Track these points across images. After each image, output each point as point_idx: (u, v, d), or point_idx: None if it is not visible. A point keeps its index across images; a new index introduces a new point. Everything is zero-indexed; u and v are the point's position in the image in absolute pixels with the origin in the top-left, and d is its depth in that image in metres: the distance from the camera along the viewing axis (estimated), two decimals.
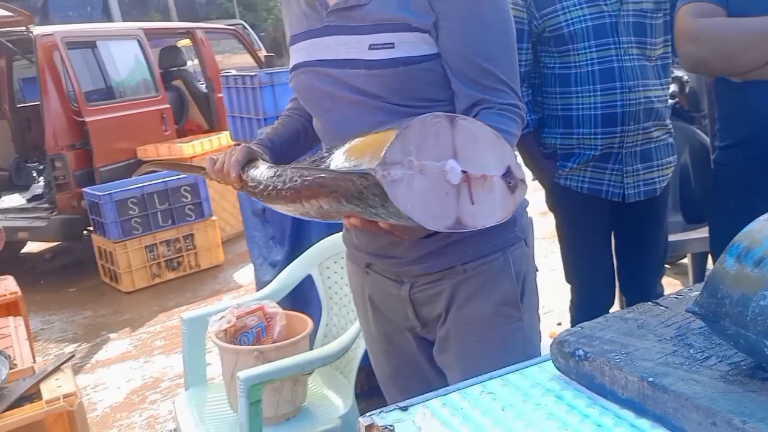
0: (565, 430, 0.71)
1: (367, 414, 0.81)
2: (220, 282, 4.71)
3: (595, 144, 2.07)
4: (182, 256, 4.78)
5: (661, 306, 0.87)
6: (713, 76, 1.91)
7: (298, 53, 1.28)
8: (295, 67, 1.28)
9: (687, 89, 3.63)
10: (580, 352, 0.78)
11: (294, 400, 1.87)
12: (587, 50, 2.07)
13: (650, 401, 0.70)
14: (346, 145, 1.01)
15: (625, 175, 2.11)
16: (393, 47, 1.14)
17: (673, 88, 3.42)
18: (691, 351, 0.75)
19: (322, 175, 0.99)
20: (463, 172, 0.93)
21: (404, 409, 0.81)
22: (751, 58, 1.65)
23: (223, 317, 1.86)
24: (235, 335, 1.87)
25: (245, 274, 4.65)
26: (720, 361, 0.72)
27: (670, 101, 3.48)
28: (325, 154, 1.05)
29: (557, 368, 0.82)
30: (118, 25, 7.13)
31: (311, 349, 1.97)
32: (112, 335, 3.97)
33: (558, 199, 2.24)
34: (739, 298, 0.65)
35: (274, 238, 3.00)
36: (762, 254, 0.65)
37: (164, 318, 4.16)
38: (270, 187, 1.14)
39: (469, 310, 1.27)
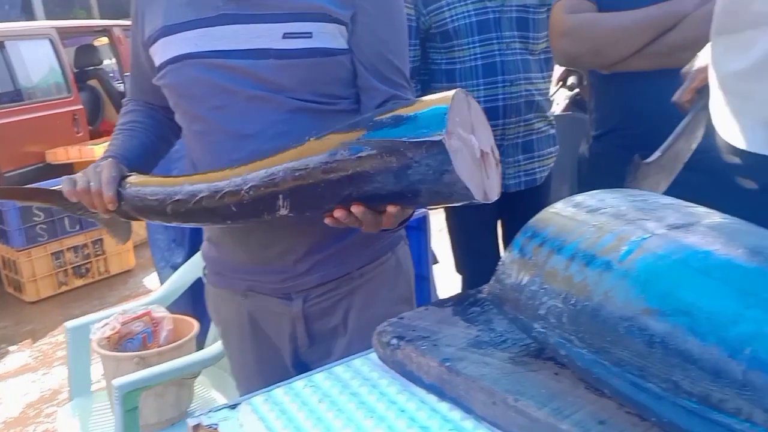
0: (371, 418, 0.74)
1: (196, 414, 0.82)
2: (130, 287, 4.61)
3: None
4: (91, 262, 4.65)
5: (482, 293, 0.91)
6: (586, 70, 1.98)
7: (179, 44, 1.15)
8: (176, 60, 1.15)
9: (585, 81, 3.74)
10: (394, 341, 0.81)
11: (179, 405, 1.86)
12: (471, 45, 2.11)
13: (447, 385, 0.73)
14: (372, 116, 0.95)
15: (505, 166, 2.16)
16: (311, 37, 1.10)
17: (572, 80, 3.54)
18: (492, 335, 0.79)
19: (372, 148, 0.90)
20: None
21: (233, 407, 0.83)
22: (619, 51, 1.72)
23: (106, 324, 1.84)
24: (120, 342, 1.84)
25: (157, 279, 4.56)
26: (513, 344, 0.76)
27: (570, 93, 3.59)
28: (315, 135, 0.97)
29: (379, 358, 0.85)
30: (29, 25, 6.88)
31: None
32: (11, 348, 3.84)
33: None
34: (517, 284, 0.68)
35: (176, 241, 2.97)
36: (541, 242, 0.69)
37: None
38: (198, 197, 1.03)
39: (370, 314, 1.22)
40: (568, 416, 0.61)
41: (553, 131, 2.25)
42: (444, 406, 0.74)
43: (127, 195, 1.12)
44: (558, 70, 3.39)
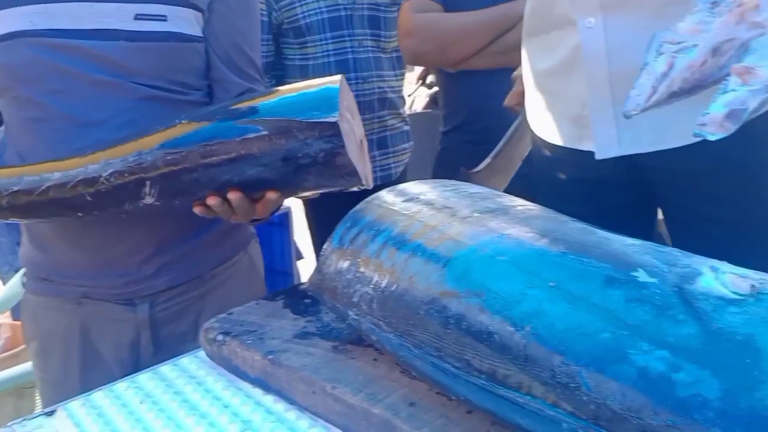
0: (193, 415, 0.72)
1: (9, 423, 0.78)
2: None
3: None
4: None
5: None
6: (433, 68, 2.04)
7: (11, 20, 1.03)
8: (6, 37, 1.03)
9: None
10: (219, 336, 0.80)
11: (19, 416, 1.75)
12: (323, 42, 2.12)
13: (271, 377, 0.73)
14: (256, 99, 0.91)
15: None
16: (165, 20, 1.03)
17: (431, 78, 3.62)
18: (318, 326, 0.79)
19: (263, 129, 0.85)
20: None
21: (49, 414, 0.79)
22: (462, 50, 1.79)
23: None
24: None
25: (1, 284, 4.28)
26: (339, 334, 0.76)
27: (429, 91, 3.67)
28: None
29: (207, 355, 0.83)
30: None
31: None
32: None
33: None
34: (335, 273, 0.69)
35: (21, 244, 2.78)
36: (358, 231, 0.70)
37: None
38: (43, 186, 0.93)
39: None
40: (381, 400, 0.63)
41: (407, 128, 2.29)
42: (269, 399, 0.73)
43: None
44: (418, 69, 3.47)
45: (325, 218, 2.36)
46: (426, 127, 2.63)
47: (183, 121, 0.90)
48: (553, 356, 0.48)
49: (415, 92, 3.52)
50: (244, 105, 0.89)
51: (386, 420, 0.61)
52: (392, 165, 2.23)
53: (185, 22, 1.05)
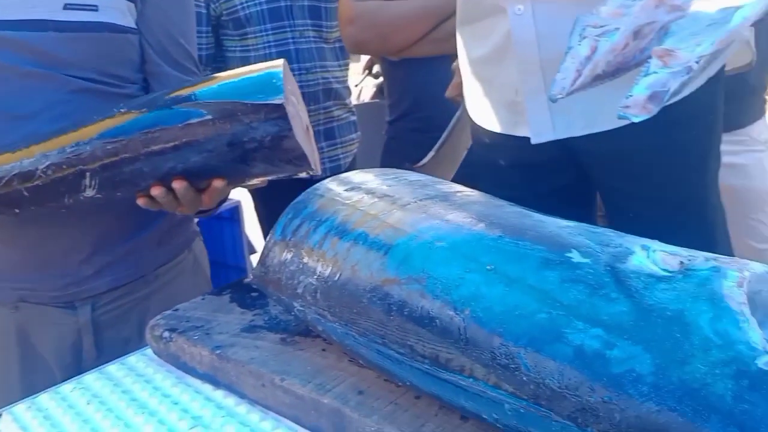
0: (142, 414, 0.72)
1: None
2: None
3: None
4: None
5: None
6: (376, 56, 2.04)
7: None
8: None
9: None
10: (166, 333, 0.79)
11: None
12: (264, 33, 2.10)
13: (220, 372, 0.73)
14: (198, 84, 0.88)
15: None
16: (96, 10, 1.00)
17: (377, 68, 3.62)
18: (266, 319, 0.79)
19: (207, 114, 0.82)
20: None
21: None
22: (403, 37, 1.79)
23: None
24: None
25: None
26: (287, 326, 0.77)
27: (376, 81, 3.67)
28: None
29: (154, 353, 0.83)
30: None
31: None
32: None
33: None
34: (278, 265, 0.69)
35: None
36: (300, 222, 0.70)
37: None
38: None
39: None
40: (330, 390, 0.63)
41: (354, 118, 2.29)
42: (219, 394, 0.73)
43: None
44: (365, 59, 3.46)
45: (275, 211, 2.36)
46: (373, 117, 2.63)
47: (122, 110, 0.88)
48: (492, 338, 0.49)
49: (362, 82, 3.51)
50: (185, 91, 0.87)
51: (336, 409, 0.61)
52: (341, 156, 2.23)
53: (117, 12, 1.02)
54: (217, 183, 0.89)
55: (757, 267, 0.50)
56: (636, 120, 0.58)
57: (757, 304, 0.49)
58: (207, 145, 0.83)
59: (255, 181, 0.94)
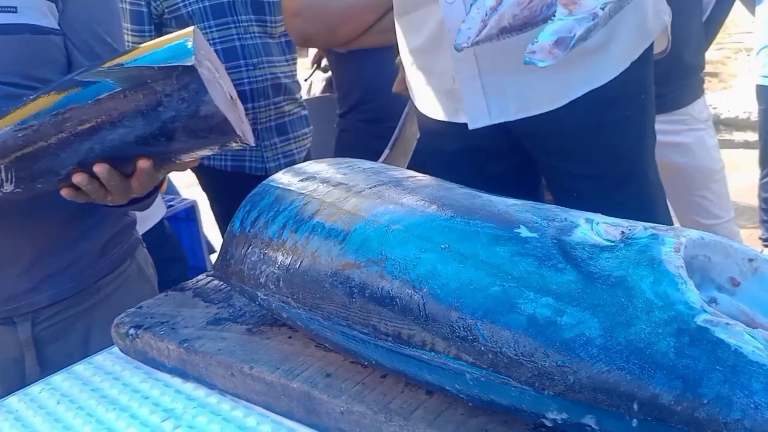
0: (113, 410, 0.73)
1: None
2: None
3: None
4: None
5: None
6: (323, 49, 2.04)
7: None
8: None
9: None
10: (132, 330, 0.80)
11: None
12: (208, 30, 2.09)
13: (188, 365, 0.74)
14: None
15: (264, 150, 2.18)
16: (16, 11, 0.95)
17: (326, 62, 3.62)
18: (230, 311, 0.81)
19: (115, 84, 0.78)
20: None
21: None
22: (350, 28, 1.80)
23: None
24: None
25: None
26: (252, 317, 0.78)
27: (325, 74, 3.68)
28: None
29: (120, 350, 0.84)
30: None
31: None
32: None
33: (205, 180, 2.26)
34: (239, 257, 0.71)
35: None
36: (258, 214, 0.72)
37: None
38: None
39: None
40: (299, 375, 0.65)
41: (305, 112, 2.30)
42: (189, 387, 0.75)
43: None
44: (312, 53, 3.46)
45: (230, 207, 2.36)
46: (325, 111, 2.64)
47: (32, 97, 0.84)
48: (450, 312, 0.52)
49: (312, 76, 3.51)
50: (93, 69, 0.83)
51: (305, 393, 0.63)
52: (295, 151, 2.24)
53: (38, 13, 0.98)
54: (143, 164, 0.85)
55: (693, 233, 0.54)
56: (542, 65, 0.61)
57: (695, 268, 0.53)
58: (122, 120, 0.79)
59: (187, 159, 0.88)
